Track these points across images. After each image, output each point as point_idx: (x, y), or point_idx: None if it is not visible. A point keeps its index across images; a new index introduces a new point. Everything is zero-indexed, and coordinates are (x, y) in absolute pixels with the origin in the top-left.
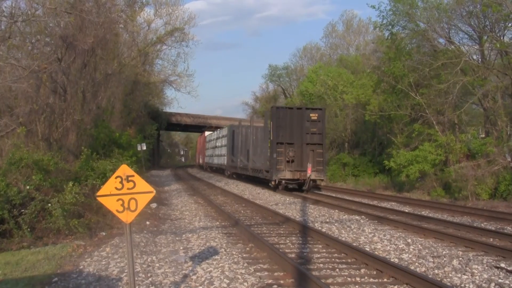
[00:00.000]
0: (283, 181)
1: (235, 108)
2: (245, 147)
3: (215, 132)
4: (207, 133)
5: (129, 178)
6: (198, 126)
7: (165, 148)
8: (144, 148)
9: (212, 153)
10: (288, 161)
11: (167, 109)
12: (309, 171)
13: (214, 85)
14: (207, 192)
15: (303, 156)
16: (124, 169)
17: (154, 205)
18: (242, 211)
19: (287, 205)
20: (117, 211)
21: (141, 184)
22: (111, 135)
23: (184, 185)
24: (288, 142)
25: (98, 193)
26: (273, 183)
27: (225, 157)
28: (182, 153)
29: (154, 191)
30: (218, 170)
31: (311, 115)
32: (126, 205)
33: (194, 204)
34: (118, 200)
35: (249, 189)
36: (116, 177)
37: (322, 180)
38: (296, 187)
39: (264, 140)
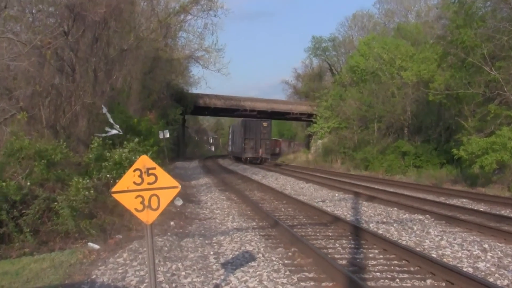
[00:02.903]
0: (248, 158)
1: (273, 88)
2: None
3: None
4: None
5: (150, 171)
6: (229, 109)
7: (192, 135)
8: (167, 135)
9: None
10: (250, 148)
11: (194, 90)
12: (259, 153)
13: (248, 62)
14: (241, 186)
15: (258, 145)
16: (144, 161)
17: (179, 203)
18: (283, 209)
19: (336, 201)
20: (136, 209)
21: (164, 178)
22: (128, 121)
23: (214, 178)
24: (251, 137)
25: (114, 189)
26: (243, 159)
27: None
28: (211, 141)
29: (180, 186)
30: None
31: (263, 123)
32: (146, 202)
33: (226, 201)
34: (137, 197)
35: (290, 183)
36: (134, 170)
37: (268, 158)
38: (258, 162)
39: (239, 136)
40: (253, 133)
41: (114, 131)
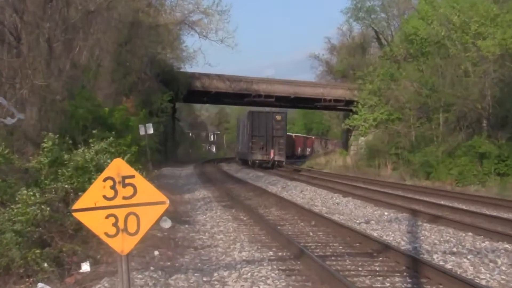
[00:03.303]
0: (257, 161)
1: (297, 66)
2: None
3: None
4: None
5: (127, 181)
6: (237, 94)
7: (185, 131)
8: (151, 131)
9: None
10: (259, 148)
11: (188, 69)
12: (271, 154)
13: (262, 30)
14: (253, 202)
15: (269, 145)
16: (119, 166)
17: (167, 224)
18: (311, 234)
19: (385, 223)
20: (107, 234)
21: (147, 190)
22: (96, 111)
23: (215, 191)
24: (260, 135)
25: (75, 206)
26: (250, 163)
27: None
28: (212, 138)
29: (168, 202)
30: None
31: (276, 116)
32: (121, 224)
33: (233, 222)
34: (108, 216)
35: (321, 197)
36: (105, 179)
37: (282, 161)
38: (269, 166)
39: (246, 133)
40: (262, 128)
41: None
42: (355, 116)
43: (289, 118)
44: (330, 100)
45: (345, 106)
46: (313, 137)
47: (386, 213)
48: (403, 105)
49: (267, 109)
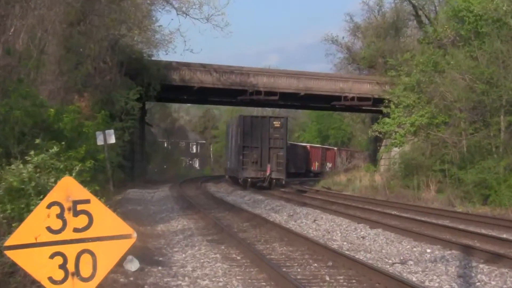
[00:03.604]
0: (249, 179)
1: (308, 52)
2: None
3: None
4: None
5: (79, 207)
6: (228, 90)
7: (159, 140)
8: (113, 140)
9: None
10: (253, 162)
11: (162, 56)
12: (268, 171)
13: (262, 6)
14: (249, 235)
15: (265, 158)
16: (68, 187)
17: (134, 266)
18: (327, 278)
19: (427, 264)
20: (52, 280)
21: (106, 220)
22: (37, 113)
23: (199, 220)
24: (253, 146)
25: (8, 242)
26: (240, 181)
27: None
28: (194, 149)
29: (135, 235)
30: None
31: (274, 123)
32: (71, 266)
33: (222, 262)
34: (53, 255)
35: (341, 228)
36: (49, 205)
37: (282, 179)
38: (264, 185)
39: (235, 143)
40: (256, 138)
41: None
42: (386, 119)
43: (299, 122)
44: (353, 98)
45: (373, 106)
46: (335, 148)
47: (428, 250)
48: (450, 105)
49: (268, 110)
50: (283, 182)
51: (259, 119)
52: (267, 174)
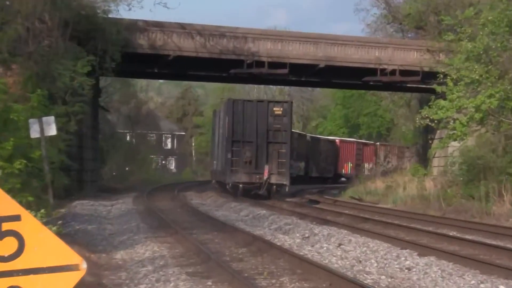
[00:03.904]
0: (240, 185)
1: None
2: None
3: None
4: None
5: (4, 226)
6: (218, 61)
7: (118, 131)
8: (53, 131)
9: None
10: (245, 162)
11: (123, 13)
12: (265, 174)
13: None
14: (247, 265)
15: (262, 157)
16: None
17: None
18: None
19: None
20: None
21: (44, 245)
22: None
23: (175, 244)
24: (246, 140)
25: None
26: (228, 187)
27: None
28: (169, 145)
29: (84, 266)
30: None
31: (274, 109)
32: None
33: None
34: None
35: (377, 256)
36: None
37: (285, 185)
38: (261, 193)
39: (222, 137)
40: (251, 129)
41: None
42: (442, 102)
43: (317, 107)
44: (393, 72)
45: (422, 84)
46: (377, 143)
47: None
48: None
49: (274, 89)
50: (287, 190)
51: (254, 104)
52: (265, 178)
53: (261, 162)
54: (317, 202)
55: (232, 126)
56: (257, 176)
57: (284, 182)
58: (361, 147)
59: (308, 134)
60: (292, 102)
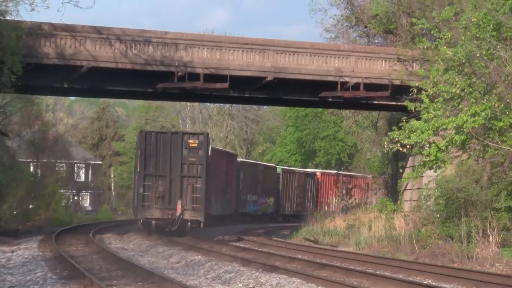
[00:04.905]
0: (153, 222)
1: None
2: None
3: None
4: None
5: None
6: (143, 73)
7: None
8: None
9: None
10: (158, 197)
11: (25, 15)
12: (178, 209)
13: None
14: None
15: (176, 191)
16: None
17: None
18: None
19: None
20: None
21: None
22: None
23: None
24: (159, 174)
25: None
26: (139, 223)
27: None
28: (83, 177)
29: None
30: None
31: (189, 141)
32: None
33: None
34: None
35: None
36: None
37: (200, 221)
38: (173, 230)
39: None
40: (164, 162)
41: None
42: (415, 122)
43: (264, 129)
44: (357, 86)
45: (392, 100)
46: (369, 176)
47: None
48: None
49: (211, 107)
50: (201, 226)
51: (168, 135)
52: (178, 214)
53: (175, 197)
54: (272, 246)
55: (144, 159)
56: (170, 212)
57: (199, 218)
58: (349, 180)
59: (280, 166)
60: (208, 134)
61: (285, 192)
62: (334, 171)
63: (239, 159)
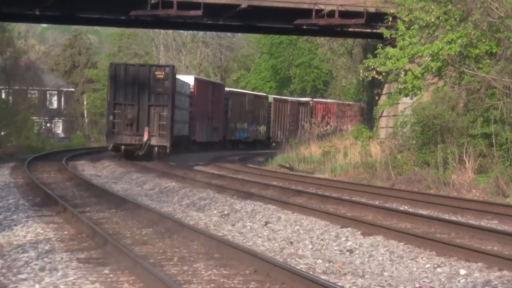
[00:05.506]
0: (122, 147)
1: None
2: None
3: None
4: None
5: None
6: (116, 0)
7: None
8: None
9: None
10: (127, 124)
11: None
12: (145, 135)
13: None
14: (154, 250)
15: (143, 119)
16: None
17: None
18: None
19: None
20: None
21: None
22: None
23: (64, 225)
24: (128, 103)
25: None
26: (110, 148)
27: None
28: (56, 104)
29: None
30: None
31: (156, 73)
32: None
33: None
34: None
35: (313, 235)
36: None
37: (166, 146)
38: (141, 154)
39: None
40: (132, 92)
41: None
42: (391, 49)
43: (239, 57)
44: (332, 14)
45: (367, 28)
46: (311, 100)
47: (463, 272)
48: (500, 23)
49: (184, 34)
50: (168, 151)
51: (136, 68)
52: (145, 140)
53: (142, 124)
54: (248, 174)
55: (114, 89)
56: (138, 138)
57: (165, 144)
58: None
59: (272, 96)
60: (174, 66)
61: (277, 120)
62: (330, 100)
63: (227, 89)
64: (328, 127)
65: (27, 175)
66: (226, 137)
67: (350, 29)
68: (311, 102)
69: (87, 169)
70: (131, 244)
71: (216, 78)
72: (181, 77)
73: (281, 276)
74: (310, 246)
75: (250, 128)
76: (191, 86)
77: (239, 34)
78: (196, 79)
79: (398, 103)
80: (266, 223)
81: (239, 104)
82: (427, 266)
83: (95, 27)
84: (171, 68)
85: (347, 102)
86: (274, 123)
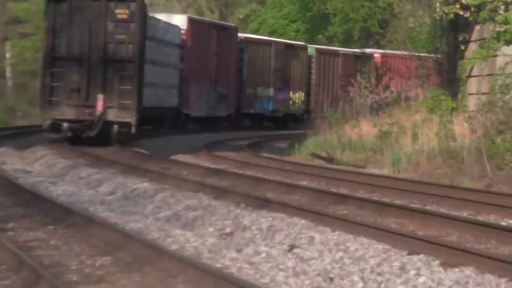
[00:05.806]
0: (65, 124)
1: None
2: None
3: None
4: None
5: None
6: None
7: None
8: None
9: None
10: (71, 90)
11: None
12: (99, 107)
13: None
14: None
15: (96, 82)
16: None
17: None
18: None
19: None
20: None
21: None
22: None
23: None
24: (73, 57)
25: None
26: (46, 127)
27: None
28: None
29: None
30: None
31: (116, 12)
32: None
33: None
34: None
35: (364, 268)
36: None
37: (129, 123)
38: (92, 135)
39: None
40: (80, 41)
41: None
42: None
43: None
44: None
45: None
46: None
47: None
48: None
49: None
50: (133, 131)
51: (86, 3)
52: (98, 113)
53: (95, 90)
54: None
55: (53, 36)
56: (88, 111)
57: (128, 120)
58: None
59: (313, 46)
60: (143, 1)
61: (321, 84)
62: (404, 52)
63: (242, 35)
64: (388, 92)
65: None
66: (240, 109)
67: None
68: (376, 56)
69: (10, 161)
70: (78, 283)
71: (213, 16)
72: (165, 17)
73: None
74: (361, 285)
75: (278, 96)
76: (182, 31)
77: None
78: (190, 20)
79: (496, 55)
80: (292, 247)
81: (261, 58)
82: None
83: None
84: (139, 4)
85: (416, 54)
86: (317, 88)
